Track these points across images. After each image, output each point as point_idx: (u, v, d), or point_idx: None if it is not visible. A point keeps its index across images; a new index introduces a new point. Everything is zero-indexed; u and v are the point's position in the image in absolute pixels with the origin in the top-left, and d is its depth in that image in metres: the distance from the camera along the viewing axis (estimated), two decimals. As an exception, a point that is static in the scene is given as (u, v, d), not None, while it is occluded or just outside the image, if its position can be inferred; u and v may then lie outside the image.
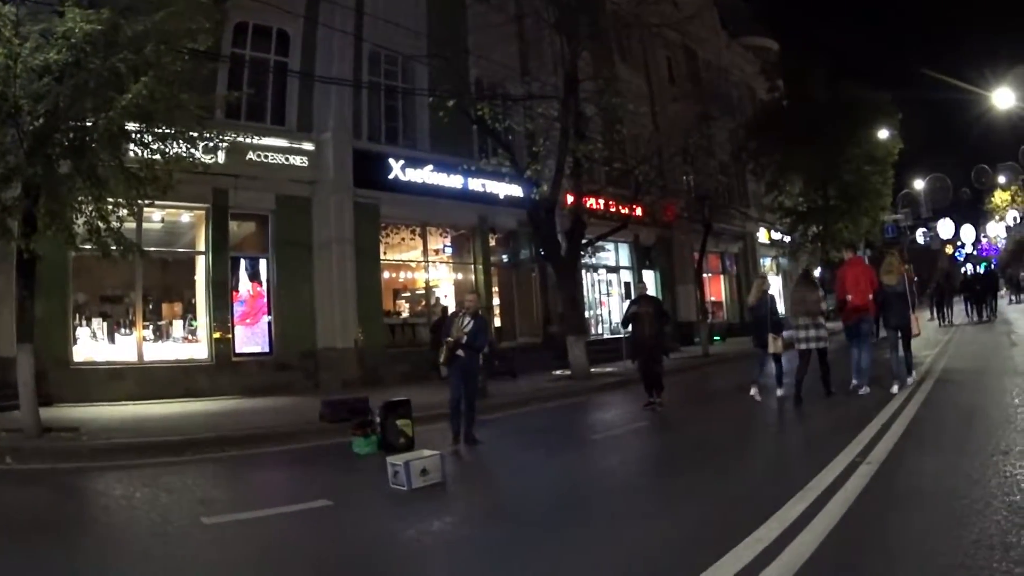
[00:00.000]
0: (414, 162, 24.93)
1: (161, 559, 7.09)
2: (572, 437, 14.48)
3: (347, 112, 23.48)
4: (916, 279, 19.58)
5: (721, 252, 42.72)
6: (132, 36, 12.75)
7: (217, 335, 20.96)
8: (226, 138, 15.94)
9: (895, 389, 14.78)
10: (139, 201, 14.17)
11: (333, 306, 22.62)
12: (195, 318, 21.31)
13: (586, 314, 29.77)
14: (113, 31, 12.63)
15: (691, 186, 35.29)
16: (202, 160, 14.81)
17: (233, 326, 21.46)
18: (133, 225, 17.00)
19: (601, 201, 30.24)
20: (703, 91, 38.60)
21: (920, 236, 65.81)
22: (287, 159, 22.22)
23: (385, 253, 25.17)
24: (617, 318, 30.35)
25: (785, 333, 16.57)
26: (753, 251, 45.72)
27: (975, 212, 75.50)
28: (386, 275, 25.41)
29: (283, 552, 7.27)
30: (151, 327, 20.56)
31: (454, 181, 25.96)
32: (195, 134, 14.20)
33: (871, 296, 15.52)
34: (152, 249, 19.29)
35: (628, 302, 19.22)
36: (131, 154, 13.92)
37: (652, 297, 18.21)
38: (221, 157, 18.46)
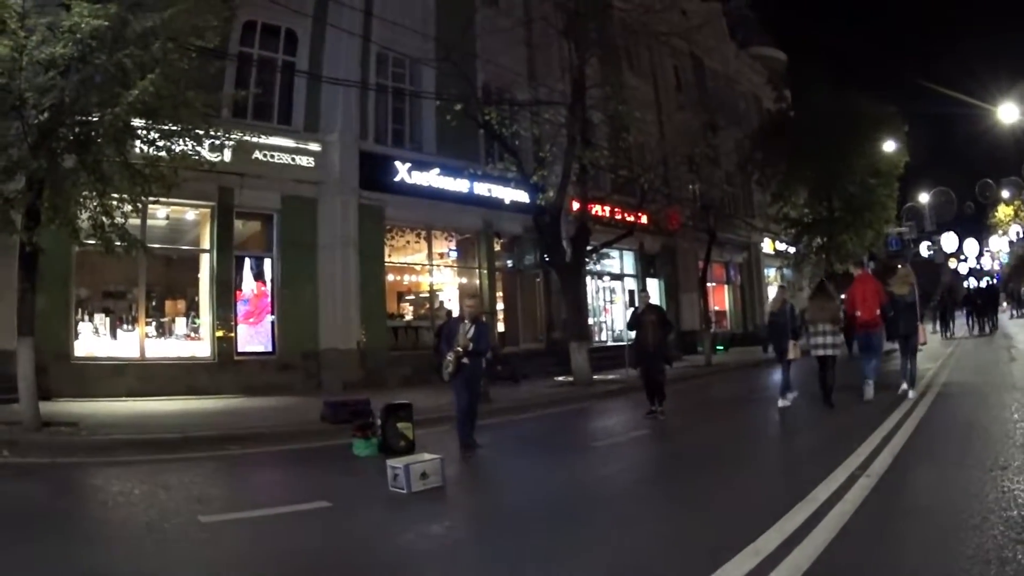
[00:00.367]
0: (420, 165, 24.84)
1: (157, 556, 7.05)
2: (573, 443, 14.39)
3: (354, 113, 23.36)
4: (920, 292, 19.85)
5: (725, 262, 42.55)
6: (140, 32, 12.73)
7: (220, 333, 20.82)
8: (232, 137, 15.97)
9: (904, 388, 15.77)
10: (143, 198, 14.08)
11: (336, 307, 22.53)
12: (198, 316, 21.17)
13: (589, 321, 29.57)
14: (120, 27, 12.63)
15: (696, 195, 35.10)
16: (208, 158, 14.83)
17: (236, 325, 21.32)
18: (138, 221, 16.83)
19: (606, 208, 30.31)
20: (710, 100, 38.52)
21: (924, 249, 65.52)
22: (293, 159, 22.13)
23: (390, 255, 25.07)
24: (620, 325, 30.71)
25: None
26: (757, 261, 45.60)
27: (979, 226, 75.37)
28: (390, 277, 25.30)
29: (280, 552, 7.19)
30: (154, 324, 20.42)
31: (460, 185, 25.86)
32: (201, 132, 14.19)
33: (878, 311, 16.08)
34: (156, 246, 19.21)
35: (632, 309, 19.10)
36: (136, 150, 13.84)
37: (656, 306, 18.11)
38: (227, 156, 18.48)
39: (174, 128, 13.75)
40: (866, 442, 10.79)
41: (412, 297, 27.00)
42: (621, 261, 34.55)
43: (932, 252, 65.63)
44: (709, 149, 32.57)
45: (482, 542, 7.55)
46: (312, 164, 22.50)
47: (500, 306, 28.56)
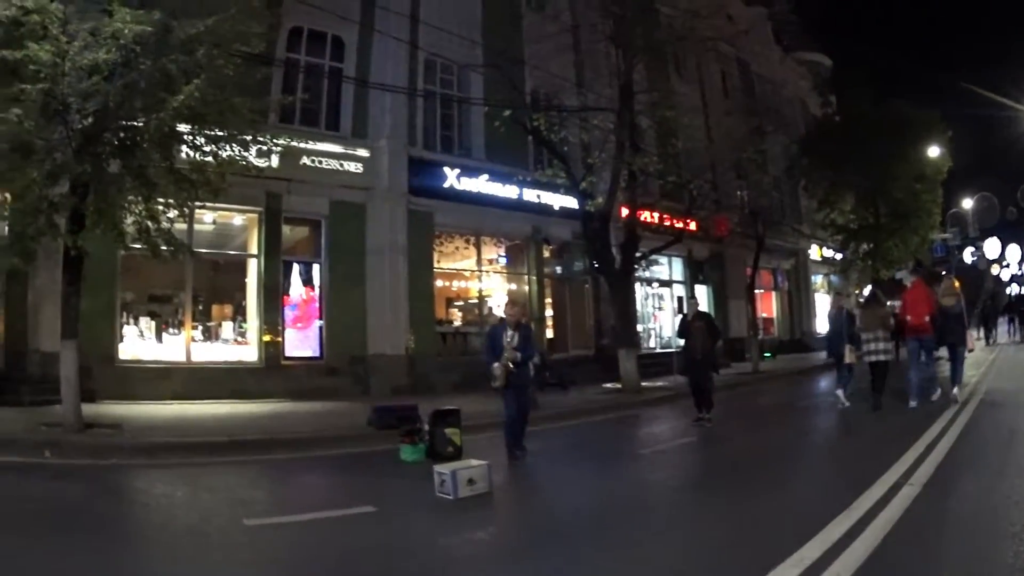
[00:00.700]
0: (469, 171, 24.49)
1: (197, 558, 7.00)
2: (619, 451, 14.23)
3: (402, 119, 23.06)
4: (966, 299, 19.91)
5: (773, 268, 41.64)
6: (183, 39, 12.61)
7: (267, 338, 20.58)
8: (279, 142, 15.64)
9: (952, 394, 16.00)
10: (190, 202, 13.99)
11: (385, 312, 22.20)
12: (245, 320, 20.98)
13: (638, 328, 29.06)
14: (164, 33, 12.51)
15: (744, 201, 34.45)
16: (255, 164, 14.68)
17: (284, 329, 21.09)
18: (184, 226, 16.61)
19: (655, 214, 29.70)
20: (757, 105, 37.86)
21: (968, 255, 64.47)
22: (341, 165, 21.88)
23: (439, 261, 24.74)
24: (669, 332, 30.50)
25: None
26: (805, 268, 44.63)
27: (1021, 232, 73.99)
28: (439, 283, 24.96)
29: (322, 556, 7.04)
30: (200, 328, 20.27)
31: (509, 191, 25.48)
32: (248, 137, 14.00)
33: (928, 318, 16.28)
34: (203, 250, 19.24)
35: (680, 316, 19.01)
36: (183, 155, 13.68)
37: (704, 313, 18.15)
38: (275, 161, 18.38)
39: (221, 133, 13.55)
40: (911, 449, 10.72)
41: (461, 303, 26.70)
42: (670, 267, 33.88)
43: (975, 258, 64.51)
44: (757, 155, 31.90)
45: (527, 549, 7.36)
46: (361, 170, 22.21)
47: (549, 313, 28.16)
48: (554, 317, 28.49)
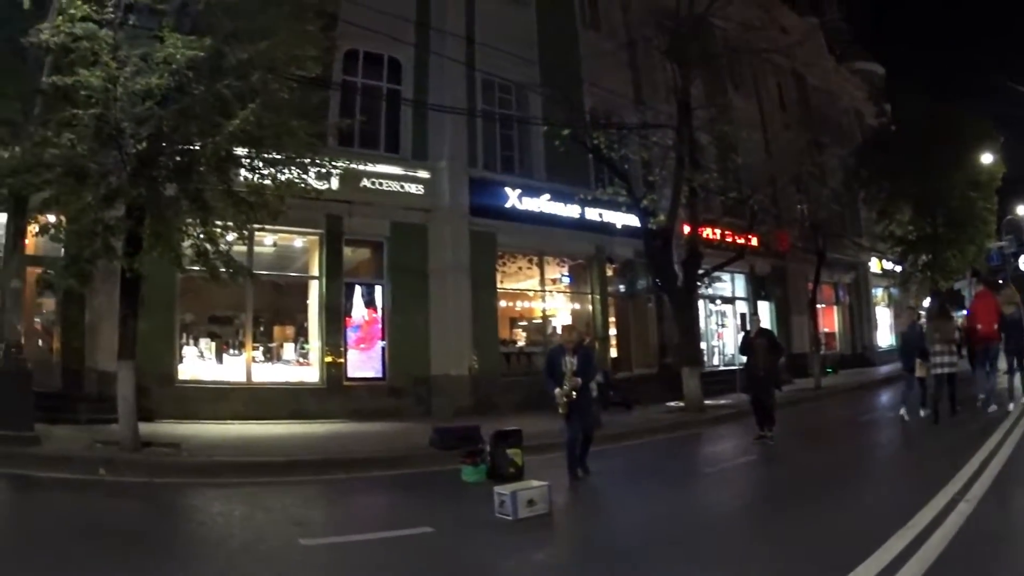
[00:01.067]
0: (530, 191, 23.90)
1: None
2: (682, 470, 14.23)
3: (462, 140, 22.59)
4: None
5: (834, 282, 40.35)
6: (236, 63, 12.39)
7: (329, 359, 20.18)
8: (338, 165, 15.31)
9: (1011, 407, 16.07)
10: (248, 225, 13.82)
11: (448, 333, 21.65)
12: (307, 341, 20.63)
13: (701, 345, 28.37)
14: (217, 58, 12.29)
15: (804, 215, 33.58)
16: (314, 186, 14.25)
17: (346, 350, 20.63)
18: (244, 248, 16.43)
19: (717, 231, 28.91)
20: (813, 117, 37.11)
21: (1023, 264, 63.03)
22: (402, 186, 21.46)
23: (501, 281, 24.15)
24: (732, 350, 29.86)
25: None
26: (866, 281, 43.33)
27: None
28: (502, 303, 24.37)
29: None
30: (261, 348, 20.01)
31: (571, 211, 24.86)
32: (306, 160, 13.72)
33: (996, 325, 16.62)
34: (263, 272, 19.02)
35: (742, 334, 18.98)
36: (240, 179, 13.44)
37: (766, 330, 17.62)
38: (335, 184, 17.71)
39: (278, 156, 13.29)
40: (967, 465, 10.70)
41: (525, 323, 26.11)
42: (732, 284, 32.94)
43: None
44: (815, 167, 31.19)
45: (585, 571, 7.31)
46: (421, 191, 21.80)
47: (613, 332, 27.53)
48: (618, 336, 27.85)
